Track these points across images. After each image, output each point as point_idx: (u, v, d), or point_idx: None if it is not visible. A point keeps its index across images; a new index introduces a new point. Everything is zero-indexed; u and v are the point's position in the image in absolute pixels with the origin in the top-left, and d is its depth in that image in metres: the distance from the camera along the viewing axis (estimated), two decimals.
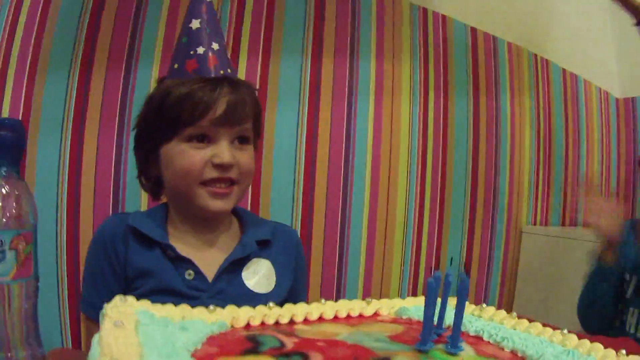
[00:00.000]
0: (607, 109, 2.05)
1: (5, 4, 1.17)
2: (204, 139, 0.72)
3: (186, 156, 0.72)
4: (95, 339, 0.34)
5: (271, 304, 0.50)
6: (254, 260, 0.79)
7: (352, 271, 1.43)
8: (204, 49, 0.75)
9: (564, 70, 1.93)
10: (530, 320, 0.49)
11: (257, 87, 1.29)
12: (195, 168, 0.71)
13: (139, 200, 1.23)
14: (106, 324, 0.35)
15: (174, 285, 0.72)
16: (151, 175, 0.79)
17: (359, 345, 0.42)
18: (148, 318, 0.40)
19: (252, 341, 0.41)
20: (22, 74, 1.17)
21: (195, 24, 0.76)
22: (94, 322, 0.74)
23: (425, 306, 0.42)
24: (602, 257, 1.05)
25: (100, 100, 1.22)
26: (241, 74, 1.33)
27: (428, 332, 0.42)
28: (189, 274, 0.73)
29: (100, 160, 1.22)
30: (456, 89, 1.67)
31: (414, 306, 0.54)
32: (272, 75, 1.38)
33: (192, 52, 0.75)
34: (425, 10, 1.62)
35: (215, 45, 0.76)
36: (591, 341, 0.44)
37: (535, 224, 1.86)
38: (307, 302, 0.52)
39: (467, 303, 0.54)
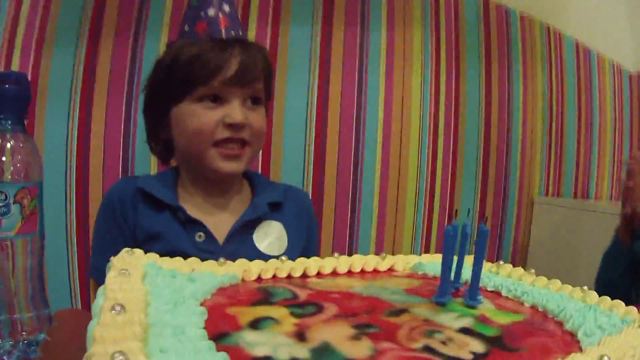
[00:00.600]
0: (620, 82, 2.00)
1: None
2: (215, 99, 0.70)
3: (198, 116, 0.70)
4: (100, 290, 0.33)
5: (283, 258, 0.48)
6: (266, 222, 0.77)
7: (364, 231, 1.42)
8: (214, 10, 0.73)
9: (576, 42, 1.87)
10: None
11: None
12: (207, 128, 0.69)
13: (148, 164, 1.21)
14: (112, 273, 0.34)
15: (183, 247, 0.70)
16: (161, 139, 0.77)
17: (375, 297, 0.40)
18: (155, 269, 0.38)
19: (263, 293, 0.39)
20: (29, 41, 1.14)
21: None
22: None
23: (443, 255, 0.40)
24: (622, 238, 1.01)
25: (109, 64, 1.20)
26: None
27: (446, 284, 0.40)
28: (199, 236, 0.72)
29: (109, 124, 1.20)
30: (468, 58, 1.63)
31: (430, 262, 0.53)
32: (282, 41, 1.35)
33: (202, 14, 0.72)
34: None
35: (226, 7, 0.74)
36: None
37: (547, 195, 1.83)
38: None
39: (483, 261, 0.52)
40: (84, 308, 1.19)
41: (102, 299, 0.30)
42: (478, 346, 0.31)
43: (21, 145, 0.46)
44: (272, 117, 1.30)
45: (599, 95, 1.93)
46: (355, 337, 0.31)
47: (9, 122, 0.47)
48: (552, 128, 1.81)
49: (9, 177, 0.46)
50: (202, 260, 0.70)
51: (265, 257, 0.74)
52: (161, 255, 0.70)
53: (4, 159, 0.45)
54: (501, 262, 0.51)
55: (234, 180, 0.78)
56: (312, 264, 0.47)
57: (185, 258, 0.70)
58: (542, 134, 1.79)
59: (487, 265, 0.52)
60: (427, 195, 1.54)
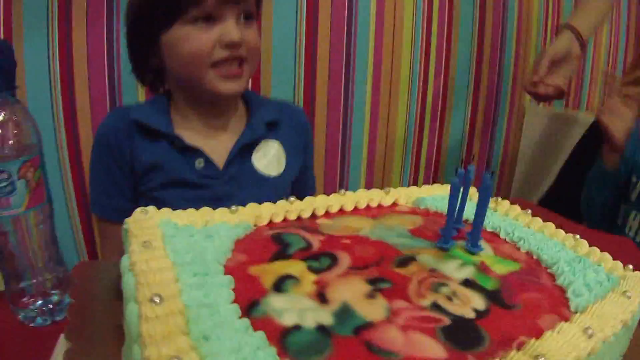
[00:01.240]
0: None
1: None
2: (208, 19, 0.66)
3: (192, 39, 0.66)
4: (125, 263, 0.34)
5: (292, 199, 0.50)
6: (264, 142, 0.77)
7: (356, 146, 1.43)
8: None
9: None
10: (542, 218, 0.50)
11: None
12: (204, 50, 0.66)
13: (135, 96, 1.15)
14: (134, 246, 0.35)
15: (184, 176, 0.72)
16: (151, 67, 0.73)
17: (383, 242, 0.43)
18: (172, 228, 0.40)
19: (278, 242, 0.42)
20: None
21: None
22: (108, 222, 0.75)
23: (448, 205, 0.43)
24: (605, 160, 1.03)
25: None
26: None
27: (449, 231, 0.43)
28: (199, 163, 0.72)
29: (92, 58, 1.10)
30: None
31: (431, 196, 0.55)
32: None
33: None
34: None
35: None
36: (591, 239, 0.45)
37: (538, 104, 1.82)
38: (317, 194, 0.53)
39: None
40: (86, 246, 1.21)
41: (133, 280, 0.31)
42: (479, 302, 0.34)
43: (15, 117, 0.44)
44: (260, 31, 1.21)
45: None
46: (371, 295, 0.34)
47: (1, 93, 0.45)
48: (547, 39, 1.74)
49: (8, 154, 0.45)
50: (204, 186, 0.72)
51: (265, 178, 0.77)
52: (162, 186, 0.72)
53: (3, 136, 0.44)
54: (499, 199, 0.54)
55: (231, 101, 0.76)
56: (319, 204, 0.49)
57: (186, 186, 0.72)
58: (536, 40, 1.73)
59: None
60: (417, 110, 1.53)
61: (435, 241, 0.43)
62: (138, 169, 0.72)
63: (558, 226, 0.48)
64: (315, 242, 0.42)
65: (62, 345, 0.43)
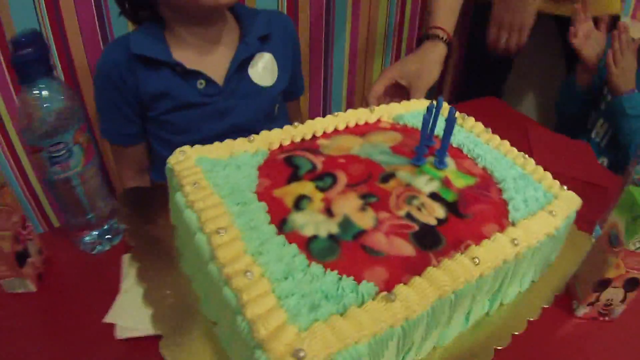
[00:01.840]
0: None
1: None
2: None
3: None
4: (181, 200, 0.46)
5: (296, 124, 0.61)
6: (257, 55, 0.82)
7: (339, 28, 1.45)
8: None
9: None
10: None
11: None
12: None
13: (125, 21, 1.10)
14: (186, 187, 0.46)
15: (188, 98, 0.77)
16: (143, 3, 0.74)
17: (370, 159, 0.56)
18: (207, 163, 0.51)
19: (290, 165, 0.54)
20: None
21: None
22: (120, 146, 0.83)
23: (421, 133, 0.54)
24: (578, 79, 1.09)
25: None
26: None
27: (421, 151, 0.55)
28: (200, 84, 0.77)
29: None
30: None
31: (409, 112, 0.66)
32: None
33: None
34: None
35: None
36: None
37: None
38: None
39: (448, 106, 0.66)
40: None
41: (194, 215, 0.44)
42: (440, 212, 0.48)
43: (61, 96, 0.50)
44: None
45: None
46: (363, 209, 0.48)
47: (43, 80, 0.50)
48: None
49: (62, 126, 0.52)
50: (207, 104, 0.79)
51: (261, 88, 0.84)
52: (169, 111, 0.79)
53: (55, 116, 0.50)
54: (465, 116, 0.65)
55: (224, 18, 0.79)
56: (318, 127, 0.60)
57: (191, 107, 0.80)
58: None
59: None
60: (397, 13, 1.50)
61: (411, 158, 0.56)
62: (144, 98, 0.77)
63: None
64: (319, 163, 0.54)
65: (127, 265, 0.56)
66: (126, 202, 0.61)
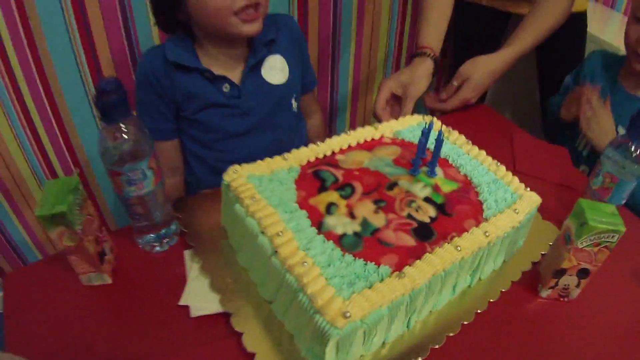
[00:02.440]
0: None
1: None
2: None
3: None
4: (241, 210, 0.62)
5: (319, 143, 0.77)
6: (268, 58, 0.96)
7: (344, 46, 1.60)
8: None
9: None
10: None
11: None
12: (226, 2, 0.81)
13: (149, 31, 1.23)
14: (246, 200, 0.62)
15: (215, 99, 0.93)
16: (178, 21, 0.88)
17: (378, 171, 0.72)
18: (256, 180, 0.67)
19: (318, 178, 0.70)
20: None
21: None
22: (158, 141, 0.97)
23: (417, 150, 0.71)
24: (562, 112, 1.13)
25: None
26: None
27: (417, 162, 0.72)
28: (226, 87, 0.93)
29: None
30: None
31: (406, 128, 0.83)
32: None
33: None
34: None
35: None
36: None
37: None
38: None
39: (439, 123, 0.83)
40: None
41: (255, 222, 0.60)
42: (432, 212, 0.66)
43: (138, 130, 0.63)
44: None
45: None
46: (376, 212, 0.65)
47: (126, 118, 0.62)
48: None
49: (140, 155, 0.64)
50: (231, 105, 0.95)
51: (275, 87, 0.99)
52: (200, 109, 0.95)
53: (133, 147, 0.63)
54: (450, 129, 0.82)
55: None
56: (336, 145, 0.77)
57: (218, 107, 0.95)
58: None
59: (441, 126, 0.83)
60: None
61: (409, 169, 0.73)
62: (178, 98, 0.92)
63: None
64: (340, 175, 0.71)
65: (189, 259, 0.71)
66: (181, 209, 0.77)
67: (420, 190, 0.69)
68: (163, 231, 0.75)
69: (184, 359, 0.59)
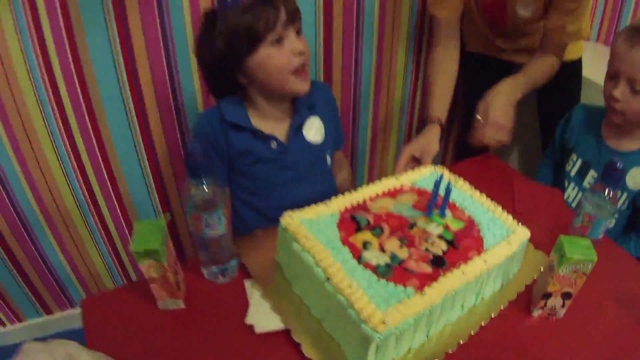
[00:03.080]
0: None
1: None
2: (279, 40, 0.94)
3: (275, 56, 0.95)
4: (297, 248, 0.82)
5: (352, 190, 0.97)
6: (308, 119, 1.11)
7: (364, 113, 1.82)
8: None
9: None
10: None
11: None
12: (286, 62, 0.95)
13: (191, 80, 1.42)
14: (302, 240, 0.82)
15: (265, 155, 1.10)
16: (236, 85, 1.04)
17: (401, 215, 0.92)
18: (307, 223, 0.87)
19: (354, 221, 0.90)
20: None
21: None
22: None
23: (432, 196, 0.91)
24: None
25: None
26: None
27: (431, 206, 0.92)
28: (273, 145, 1.09)
29: (150, 49, 1.32)
30: None
31: (421, 178, 1.03)
32: None
33: None
34: None
35: None
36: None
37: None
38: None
39: (447, 173, 1.03)
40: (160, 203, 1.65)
41: (310, 256, 0.80)
42: (444, 246, 0.85)
43: (214, 184, 0.81)
44: None
45: None
46: (401, 247, 0.84)
47: (205, 180, 0.81)
48: None
49: (216, 205, 0.83)
50: (278, 159, 1.14)
51: (314, 145, 1.19)
52: (251, 164, 1.15)
53: (211, 197, 0.82)
54: (457, 177, 1.02)
55: None
56: (366, 194, 0.97)
57: (266, 162, 1.15)
58: None
59: (449, 176, 1.03)
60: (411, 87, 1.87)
61: (424, 212, 0.93)
62: (232, 153, 1.07)
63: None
64: (371, 219, 0.91)
65: (250, 287, 0.89)
66: (243, 245, 0.97)
67: (434, 228, 0.89)
68: (226, 265, 0.93)
69: None
